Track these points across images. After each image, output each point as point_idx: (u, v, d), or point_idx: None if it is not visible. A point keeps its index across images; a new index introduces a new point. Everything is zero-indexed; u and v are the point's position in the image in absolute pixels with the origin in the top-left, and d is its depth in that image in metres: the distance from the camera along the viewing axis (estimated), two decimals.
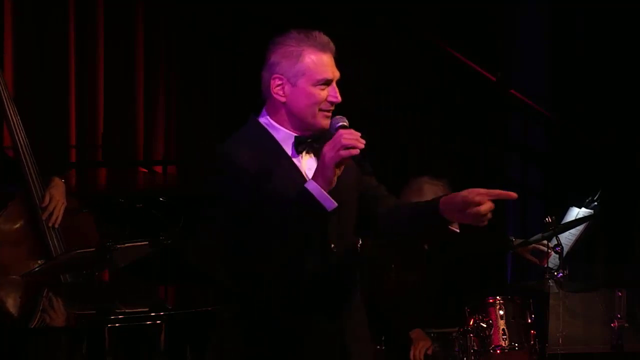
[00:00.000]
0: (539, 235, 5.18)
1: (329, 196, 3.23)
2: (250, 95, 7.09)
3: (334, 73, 3.41)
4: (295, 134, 3.43)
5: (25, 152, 4.59)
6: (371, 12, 6.98)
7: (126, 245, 4.09)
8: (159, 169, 6.55)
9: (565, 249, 5.11)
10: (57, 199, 4.56)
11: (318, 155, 3.34)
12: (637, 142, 6.70)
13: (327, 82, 3.39)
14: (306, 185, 3.25)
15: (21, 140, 4.60)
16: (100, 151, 6.44)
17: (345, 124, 3.31)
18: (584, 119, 6.93)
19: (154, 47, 6.66)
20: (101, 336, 3.94)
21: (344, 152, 3.21)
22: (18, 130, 4.60)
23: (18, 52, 6.02)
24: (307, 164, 3.44)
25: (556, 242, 5.03)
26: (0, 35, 5.97)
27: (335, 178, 3.24)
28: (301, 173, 3.42)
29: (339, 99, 3.40)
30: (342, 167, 3.26)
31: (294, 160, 3.43)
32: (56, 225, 4.56)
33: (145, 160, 6.57)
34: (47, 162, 5.43)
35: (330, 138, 3.28)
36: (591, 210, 5.38)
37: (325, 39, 3.42)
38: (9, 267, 4.45)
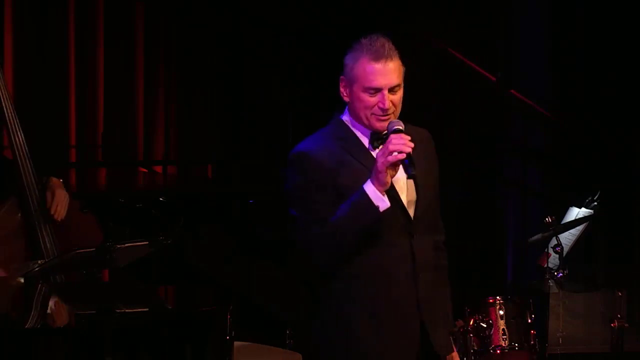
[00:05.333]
0: (539, 235, 5.18)
1: (382, 197, 3.50)
2: (250, 95, 7.13)
3: (384, 82, 3.57)
4: (371, 130, 3.64)
5: (22, 153, 4.57)
6: (371, 12, 6.98)
7: (126, 245, 4.09)
8: (159, 169, 6.55)
9: (565, 249, 5.11)
10: (59, 193, 4.56)
11: None
12: (637, 142, 6.70)
13: (376, 90, 3.57)
14: (364, 186, 3.50)
15: (19, 142, 4.59)
16: (100, 151, 6.45)
17: (399, 127, 3.54)
18: (584, 119, 6.93)
19: (154, 47, 6.66)
20: (101, 336, 3.94)
21: (391, 158, 3.46)
22: (16, 132, 4.60)
23: (18, 52, 6.02)
24: None
25: (556, 242, 5.03)
26: (1, 35, 5.97)
27: (389, 179, 3.50)
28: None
29: (386, 106, 3.57)
30: (397, 168, 3.52)
31: (373, 153, 3.63)
32: (59, 219, 4.56)
33: (145, 160, 6.57)
34: (46, 162, 5.42)
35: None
36: (591, 210, 5.38)
37: (381, 47, 3.60)
38: (5, 263, 4.45)
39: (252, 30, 6.93)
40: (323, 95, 6.88)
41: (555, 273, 5.01)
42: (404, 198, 3.60)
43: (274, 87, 6.98)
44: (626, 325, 5.03)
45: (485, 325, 5.17)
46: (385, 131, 3.58)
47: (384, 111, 3.56)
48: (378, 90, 3.56)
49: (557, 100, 7.08)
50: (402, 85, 3.62)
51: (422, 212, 3.62)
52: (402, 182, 3.61)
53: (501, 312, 5.23)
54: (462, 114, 7.19)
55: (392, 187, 3.55)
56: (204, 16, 6.81)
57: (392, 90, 3.57)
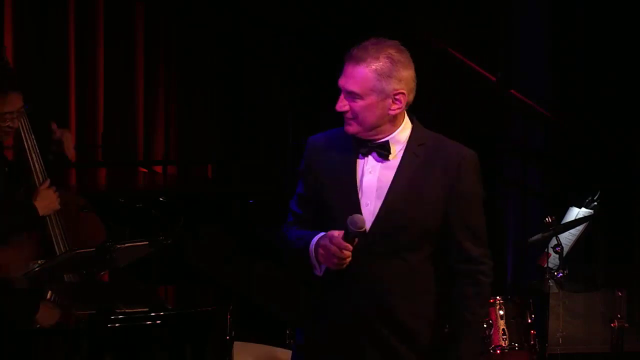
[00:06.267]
0: (539, 235, 5.18)
1: (317, 266, 3.42)
2: (250, 95, 7.13)
3: (342, 82, 3.46)
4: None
5: (33, 153, 4.62)
6: (371, 12, 6.98)
7: (126, 245, 4.09)
8: (159, 169, 6.55)
9: (565, 249, 5.11)
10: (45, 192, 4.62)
11: (382, 156, 3.47)
12: (637, 142, 6.70)
13: (340, 88, 3.47)
14: (312, 242, 3.42)
15: (29, 143, 4.63)
16: (100, 151, 6.45)
17: (354, 229, 3.32)
18: (584, 119, 6.93)
19: (154, 47, 6.67)
20: (101, 336, 3.94)
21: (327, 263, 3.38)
22: (27, 134, 4.64)
23: (18, 52, 6.02)
24: (369, 165, 3.50)
25: (556, 242, 5.03)
26: (1, 35, 5.97)
27: None
28: (353, 173, 3.49)
29: (336, 107, 3.46)
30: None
31: (361, 159, 3.51)
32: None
33: (145, 160, 6.57)
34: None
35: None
36: (591, 210, 5.38)
37: (359, 49, 3.45)
38: (9, 267, 4.45)
39: (252, 30, 6.93)
40: (323, 95, 6.88)
41: (555, 273, 5.01)
42: (370, 215, 3.44)
43: (274, 87, 6.98)
44: (626, 325, 5.03)
45: (485, 325, 5.17)
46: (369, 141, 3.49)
47: (342, 113, 3.45)
48: (340, 89, 3.46)
49: (557, 100, 7.08)
50: (371, 98, 3.42)
51: (386, 232, 3.42)
52: (372, 199, 3.46)
53: (501, 312, 5.23)
54: (462, 114, 7.19)
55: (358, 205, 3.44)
56: (204, 16, 6.81)
57: (349, 95, 3.44)
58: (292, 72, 7.02)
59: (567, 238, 5.30)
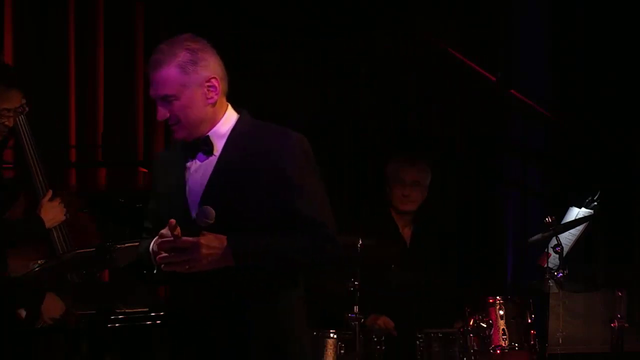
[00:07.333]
0: (539, 235, 5.18)
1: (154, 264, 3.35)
2: (249, 95, 7.11)
3: (152, 92, 3.40)
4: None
5: (33, 162, 4.62)
6: (371, 12, 6.98)
7: (126, 245, 4.09)
8: None
9: (565, 249, 5.11)
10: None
11: (207, 152, 3.40)
12: (637, 142, 6.70)
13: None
14: (151, 245, 3.36)
15: (31, 152, 4.64)
16: (100, 151, 6.44)
17: (206, 220, 3.26)
18: (584, 119, 6.93)
19: (154, 47, 6.64)
20: (101, 336, 3.94)
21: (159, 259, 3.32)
22: (28, 142, 4.65)
23: (18, 52, 6.02)
24: (196, 165, 3.44)
25: (556, 242, 5.03)
26: (1, 35, 5.97)
27: None
28: (181, 178, 3.43)
29: (158, 118, 3.38)
30: None
31: (190, 162, 3.44)
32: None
33: (145, 160, 6.57)
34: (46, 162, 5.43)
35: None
36: (591, 210, 5.38)
37: (155, 54, 3.42)
38: (10, 266, 4.46)
39: (252, 30, 6.92)
40: (323, 95, 6.88)
41: (555, 273, 5.01)
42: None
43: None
44: (626, 325, 5.03)
45: (485, 325, 5.18)
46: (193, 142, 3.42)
47: (168, 122, 3.37)
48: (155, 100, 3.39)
49: (557, 100, 7.08)
50: (186, 94, 3.35)
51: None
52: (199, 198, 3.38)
53: (501, 312, 5.24)
54: (462, 114, 7.19)
55: (183, 195, 3.38)
56: (204, 16, 6.80)
57: (164, 100, 3.36)
58: (292, 72, 7.01)
59: (567, 238, 5.31)
